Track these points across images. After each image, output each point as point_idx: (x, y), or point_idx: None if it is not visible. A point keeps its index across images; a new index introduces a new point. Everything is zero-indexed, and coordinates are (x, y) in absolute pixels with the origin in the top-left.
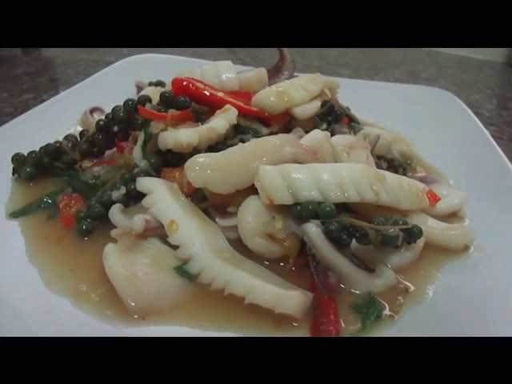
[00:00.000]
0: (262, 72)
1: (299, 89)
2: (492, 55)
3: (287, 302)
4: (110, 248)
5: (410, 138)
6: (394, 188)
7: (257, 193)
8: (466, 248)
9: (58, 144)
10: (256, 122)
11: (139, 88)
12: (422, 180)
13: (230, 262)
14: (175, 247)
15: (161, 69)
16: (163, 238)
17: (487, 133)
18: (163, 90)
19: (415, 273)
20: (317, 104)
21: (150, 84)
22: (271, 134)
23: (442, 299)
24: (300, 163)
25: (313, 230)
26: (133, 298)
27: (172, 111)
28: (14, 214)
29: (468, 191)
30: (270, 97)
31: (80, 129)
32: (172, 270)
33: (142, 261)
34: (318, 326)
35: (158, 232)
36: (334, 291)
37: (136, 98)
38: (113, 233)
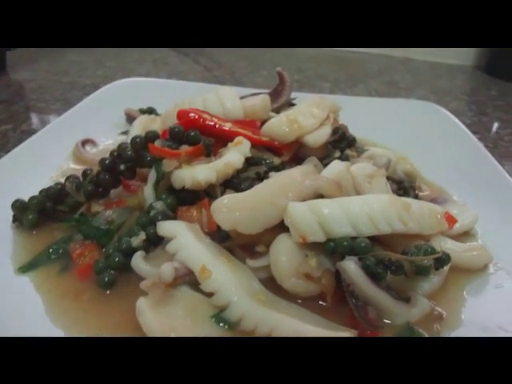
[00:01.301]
0: (266, 98)
1: (307, 115)
2: (462, 59)
3: None
4: (142, 303)
5: (404, 154)
6: (418, 215)
7: (285, 230)
8: (485, 267)
9: (59, 186)
10: (266, 151)
11: (129, 116)
12: (432, 201)
13: (268, 306)
14: (208, 294)
15: (147, 93)
16: (193, 284)
17: (481, 145)
18: (155, 117)
19: (444, 297)
20: (326, 130)
21: (141, 111)
22: (283, 163)
23: (475, 321)
24: (322, 196)
25: (352, 268)
26: None
27: (184, 147)
28: (23, 269)
29: (472, 206)
30: (281, 126)
31: (73, 164)
32: (210, 320)
33: (177, 313)
34: None
35: (187, 279)
36: (377, 326)
37: (143, 134)
38: (142, 285)
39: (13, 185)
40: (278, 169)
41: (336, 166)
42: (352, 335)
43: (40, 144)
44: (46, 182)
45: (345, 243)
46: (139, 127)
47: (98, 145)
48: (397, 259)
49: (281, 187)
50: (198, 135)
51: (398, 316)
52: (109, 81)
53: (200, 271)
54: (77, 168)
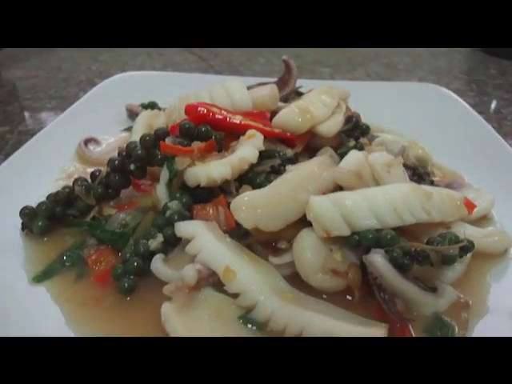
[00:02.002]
0: (275, 88)
1: (318, 104)
2: None
3: None
4: (167, 309)
5: (412, 138)
6: (439, 203)
7: (306, 225)
8: (506, 251)
9: (67, 190)
10: (279, 143)
11: (131, 112)
12: (448, 186)
13: (296, 304)
14: (233, 294)
15: (146, 87)
16: (216, 285)
17: (489, 126)
18: (159, 111)
19: (468, 284)
20: (338, 119)
21: (143, 106)
22: (296, 154)
23: (501, 307)
24: (341, 188)
25: (379, 261)
26: None
27: (196, 143)
28: (38, 278)
29: (486, 189)
30: (294, 116)
31: (78, 165)
32: (237, 321)
33: (203, 317)
34: None
35: (210, 280)
36: (406, 318)
37: (152, 132)
38: (166, 290)
39: (17, 190)
40: (291, 161)
41: (354, 156)
42: (385, 330)
43: (41, 146)
44: (51, 185)
45: (370, 236)
46: (143, 123)
47: (101, 143)
48: (423, 249)
49: (300, 181)
50: (209, 130)
51: (426, 306)
52: (104, 75)
53: (224, 272)
54: (82, 169)
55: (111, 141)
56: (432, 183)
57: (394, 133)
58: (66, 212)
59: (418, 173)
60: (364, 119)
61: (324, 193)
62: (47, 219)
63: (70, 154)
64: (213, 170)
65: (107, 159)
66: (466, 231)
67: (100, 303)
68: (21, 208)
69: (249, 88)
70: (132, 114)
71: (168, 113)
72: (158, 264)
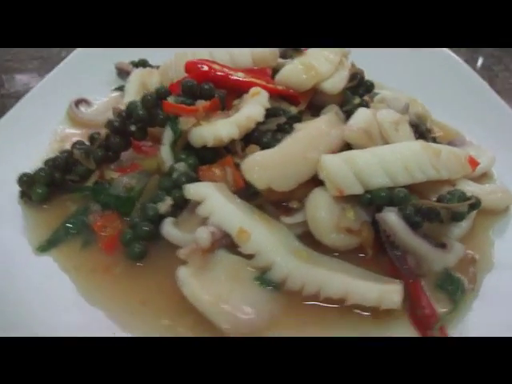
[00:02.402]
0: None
1: (322, 60)
2: None
3: (391, 298)
4: (184, 273)
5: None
6: (446, 160)
7: (317, 184)
8: (507, 208)
9: (65, 154)
10: (282, 101)
11: (121, 70)
12: (450, 143)
13: (311, 262)
14: (248, 255)
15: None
16: (229, 247)
17: (487, 85)
18: (152, 69)
19: (473, 240)
20: (342, 75)
21: (133, 64)
22: (300, 112)
23: (506, 261)
24: (350, 146)
25: (393, 219)
26: (229, 323)
27: (200, 102)
28: (43, 248)
29: (485, 146)
30: (298, 73)
31: (70, 127)
32: (254, 282)
33: (220, 278)
34: (415, 312)
35: (223, 242)
36: (419, 274)
37: (154, 90)
38: (180, 254)
39: (9, 157)
40: (296, 118)
41: (363, 114)
42: (401, 286)
43: (29, 109)
44: (45, 149)
45: (383, 194)
46: (136, 82)
47: (92, 104)
48: (434, 207)
49: (310, 140)
50: (212, 88)
51: (436, 262)
52: None
53: (238, 233)
54: (75, 131)
55: (103, 101)
56: (434, 140)
57: (394, 90)
58: (65, 177)
59: (420, 130)
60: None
61: (334, 151)
62: (47, 186)
63: (61, 116)
64: (220, 129)
65: (100, 120)
66: (470, 188)
67: (111, 270)
68: (18, 175)
69: None
70: (122, 73)
71: (163, 70)
72: (168, 228)
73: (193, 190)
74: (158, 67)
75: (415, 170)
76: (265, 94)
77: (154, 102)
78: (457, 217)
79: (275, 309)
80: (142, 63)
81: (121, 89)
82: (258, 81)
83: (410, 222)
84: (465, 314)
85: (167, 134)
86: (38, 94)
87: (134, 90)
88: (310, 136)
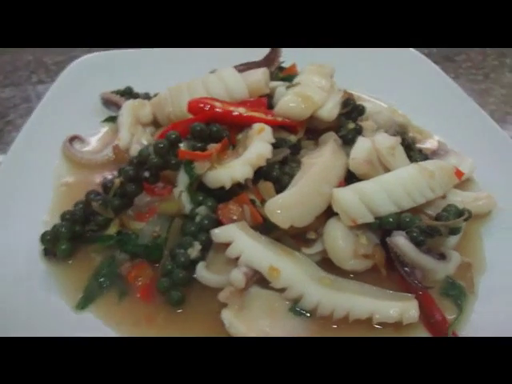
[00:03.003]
0: (267, 72)
1: (315, 88)
2: None
3: (410, 313)
4: (228, 315)
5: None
6: (439, 179)
7: (330, 214)
8: (490, 212)
9: (80, 206)
10: (281, 130)
11: (106, 101)
12: (434, 153)
13: (336, 288)
14: (278, 289)
15: (115, 69)
16: (260, 282)
17: (460, 89)
18: (143, 101)
19: (465, 246)
20: (335, 101)
21: (119, 93)
22: (299, 140)
23: (497, 262)
24: (353, 173)
25: (403, 242)
26: None
27: (211, 146)
28: (81, 305)
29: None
30: (296, 104)
31: (71, 169)
32: (289, 313)
33: (259, 315)
34: (428, 320)
35: (254, 279)
36: (428, 287)
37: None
38: (221, 298)
39: (17, 208)
40: (296, 147)
41: (363, 145)
42: (416, 301)
43: (24, 152)
44: (49, 194)
45: (391, 220)
46: (129, 115)
47: (86, 141)
48: (434, 226)
49: (321, 176)
50: (220, 129)
51: (439, 273)
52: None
53: (269, 272)
54: (76, 173)
55: (96, 137)
56: (420, 152)
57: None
58: (84, 229)
59: (407, 143)
60: (341, 85)
61: (341, 181)
62: (70, 241)
63: (55, 155)
64: (235, 172)
65: (99, 160)
66: (458, 198)
67: (153, 321)
68: (41, 234)
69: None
70: (108, 103)
71: (156, 104)
72: (202, 272)
73: (220, 234)
74: (145, 95)
75: (416, 195)
76: (269, 130)
77: (168, 149)
78: (454, 231)
79: (311, 335)
80: (128, 92)
81: (110, 120)
82: (258, 114)
83: (416, 242)
84: (470, 316)
85: (182, 178)
86: (29, 134)
87: (128, 123)
88: (321, 171)
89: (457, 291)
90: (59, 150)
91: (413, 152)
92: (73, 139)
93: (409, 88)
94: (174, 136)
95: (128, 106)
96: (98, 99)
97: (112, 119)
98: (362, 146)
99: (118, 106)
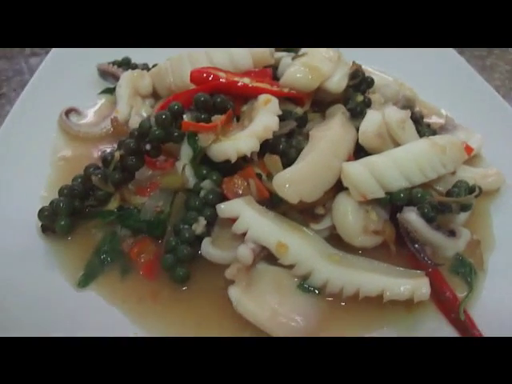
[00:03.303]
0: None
1: (323, 59)
2: None
3: (421, 291)
4: (235, 292)
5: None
6: (450, 154)
7: (339, 189)
8: (499, 188)
9: (79, 180)
10: (287, 101)
11: (103, 72)
12: (442, 129)
13: (345, 265)
14: (286, 265)
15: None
16: (267, 259)
17: (466, 63)
18: (142, 72)
19: (474, 223)
20: (343, 72)
21: (116, 64)
22: (305, 112)
23: (506, 239)
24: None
25: (414, 218)
26: (285, 333)
27: (216, 117)
28: (83, 283)
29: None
30: (303, 75)
31: (68, 143)
32: (297, 290)
33: (267, 291)
34: (439, 298)
35: (261, 255)
36: (438, 264)
37: (167, 108)
38: (228, 275)
39: (13, 183)
40: (303, 119)
41: (374, 118)
42: (426, 279)
43: (19, 124)
44: (46, 168)
45: (402, 195)
46: (127, 86)
47: (82, 113)
48: (445, 202)
49: (331, 150)
50: (224, 100)
51: (449, 249)
52: None
53: (276, 248)
54: (74, 146)
55: (93, 110)
56: (428, 126)
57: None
58: (84, 204)
59: (415, 117)
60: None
61: (350, 155)
62: (69, 217)
63: (53, 128)
64: (241, 144)
65: (97, 132)
66: (468, 174)
67: (158, 297)
68: (38, 210)
69: None
70: (105, 75)
71: (156, 74)
72: (208, 248)
73: (226, 209)
74: (144, 66)
75: (428, 170)
76: (275, 102)
77: (170, 120)
78: (466, 207)
79: (320, 312)
80: (126, 62)
81: (107, 92)
82: (264, 85)
83: (427, 218)
84: (480, 294)
85: (185, 151)
86: (24, 106)
87: (127, 95)
88: (331, 145)
89: (467, 269)
90: (55, 123)
91: (421, 127)
92: (69, 112)
93: (415, 63)
94: (176, 107)
95: (126, 77)
96: (95, 70)
97: (110, 91)
98: (371, 119)
99: (115, 78)
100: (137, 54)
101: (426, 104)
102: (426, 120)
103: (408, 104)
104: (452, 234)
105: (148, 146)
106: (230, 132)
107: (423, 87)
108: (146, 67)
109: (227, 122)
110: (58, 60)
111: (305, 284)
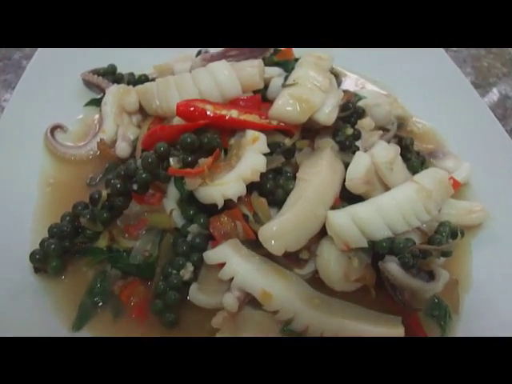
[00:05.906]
0: (261, 65)
1: (313, 88)
2: None
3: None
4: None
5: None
6: (436, 197)
7: (326, 233)
8: (481, 224)
9: (67, 219)
10: (276, 133)
11: (88, 82)
12: (431, 155)
13: (326, 310)
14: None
15: None
16: (252, 302)
17: (468, 81)
18: (129, 88)
19: (455, 258)
20: (334, 102)
21: (101, 74)
22: (294, 145)
23: (484, 280)
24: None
25: (394, 268)
26: None
27: (203, 161)
28: (77, 326)
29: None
30: (293, 108)
31: (51, 160)
32: (282, 333)
33: (253, 335)
34: None
35: (246, 301)
36: (416, 309)
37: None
38: (215, 324)
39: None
40: (291, 151)
41: (362, 162)
42: (402, 328)
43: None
44: (32, 192)
45: (384, 244)
46: (113, 103)
47: (67, 129)
48: (427, 250)
49: (318, 197)
50: (212, 140)
51: (428, 292)
52: None
53: (261, 296)
54: (61, 169)
55: (79, 125)
56: (418, 154)
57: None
58: (73, 242)
59: (405, 144)
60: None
61: (337, 196)
62: (60, 257)
63: (38, 143)
64: (228, 189)
65: (84, 154)
66: (453, 211)
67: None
68: (30, 253)
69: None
70: (89, 85)
71: (142, 94)
72: (195, 294)
73: (213, 256)
74: (129, 76)
75: (411, 218)
76: (264, 139)
77: (156, 163)
78: (446, 254)
79: None
80: (112, 71)
81: (93, 103)
82: (252, 117)
83: (407, 267)
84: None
85: (172, 192)
86: (8, 120)
87: (113, 113)
88: (318, 193)
89: (442, 311)
90: (41, 138)
91: (410, 154)
92: (54, 129)
93: (407, 65)
94: (162, 148)
95: (112, 92)
96: (79, 79)
97: (95, 102)
98: (359, 163)
99: (100, 89)
100: (123, 58)
101: (418, 121)
102: (416, 144)
103: (398, 121)
104: (431, 276)
105: (135, 186)
106: (217, 173)
107: (415, 96)
108: (132, 78)
109: (214, 162)
110: (41, 68)
111: (287, 328)
